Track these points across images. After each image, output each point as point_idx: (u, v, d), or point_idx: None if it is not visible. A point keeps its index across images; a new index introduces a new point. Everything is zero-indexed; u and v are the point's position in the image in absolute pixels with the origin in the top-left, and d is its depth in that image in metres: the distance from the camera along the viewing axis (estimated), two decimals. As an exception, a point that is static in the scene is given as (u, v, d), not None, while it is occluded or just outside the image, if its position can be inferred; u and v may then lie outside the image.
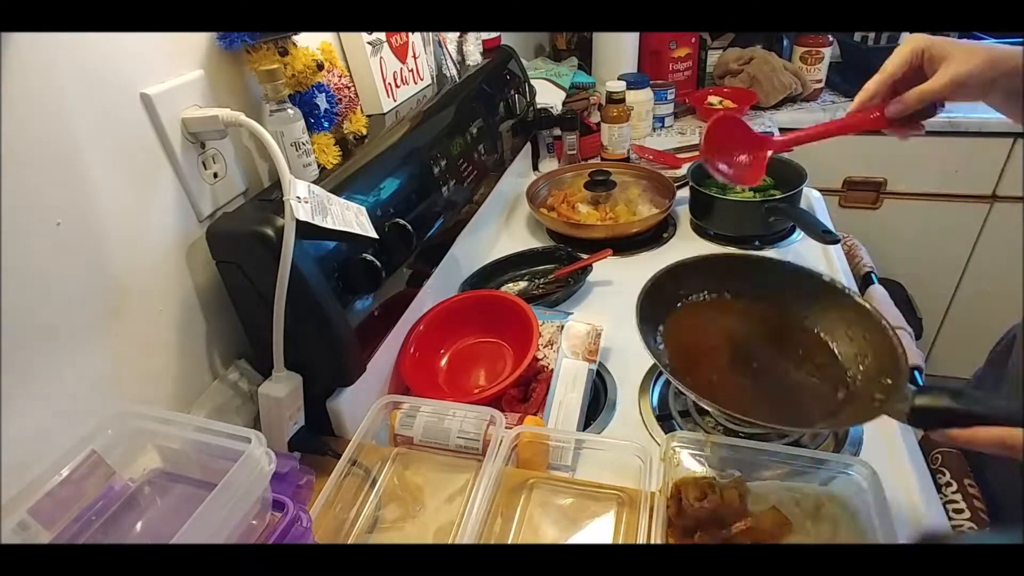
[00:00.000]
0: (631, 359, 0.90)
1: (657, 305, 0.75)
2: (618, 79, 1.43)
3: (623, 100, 1.39)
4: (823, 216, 1.25)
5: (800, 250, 1.12)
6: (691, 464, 0.70)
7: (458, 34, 1.16)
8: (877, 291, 0.98)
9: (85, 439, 0.53)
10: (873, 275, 1.15)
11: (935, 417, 0.53)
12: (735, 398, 0.69)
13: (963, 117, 1.51)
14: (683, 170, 1.38)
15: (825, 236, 0.98)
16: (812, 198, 1.29)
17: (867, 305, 0.69)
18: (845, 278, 1.04)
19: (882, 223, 1.72)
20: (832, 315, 0.73)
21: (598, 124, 1.48)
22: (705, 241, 1.20)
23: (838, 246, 1.11)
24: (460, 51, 1.17)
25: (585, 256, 1.09)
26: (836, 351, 0.71)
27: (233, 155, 0.70)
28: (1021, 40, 1.00)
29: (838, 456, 0.67)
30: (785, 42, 1.72)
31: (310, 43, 0.77)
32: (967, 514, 0.68)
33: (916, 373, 0.85)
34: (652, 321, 0.74)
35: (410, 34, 0.99)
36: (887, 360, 0.63)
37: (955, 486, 0.71)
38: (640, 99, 1.49)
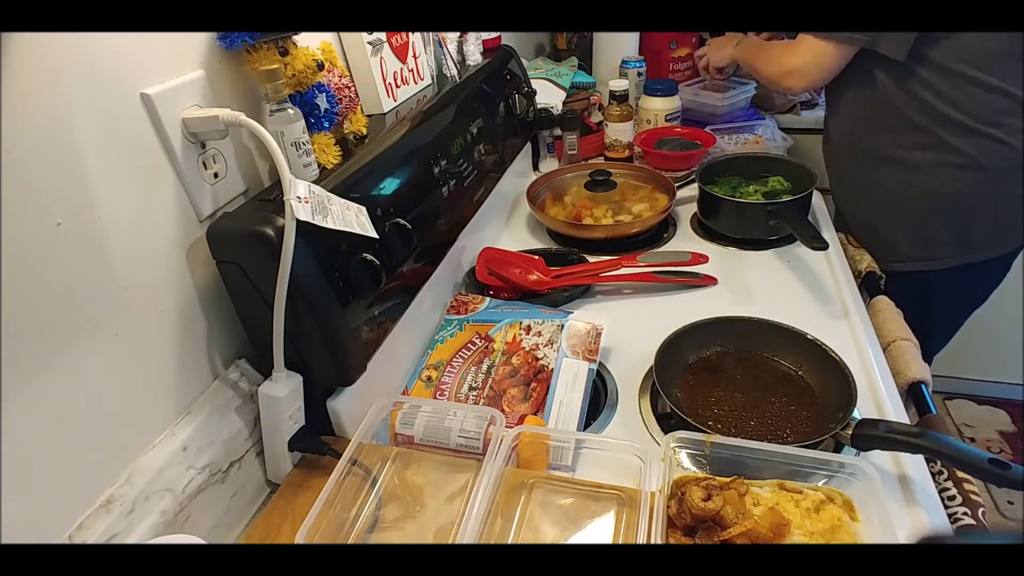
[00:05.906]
0: (631, 359, 0.90)
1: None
2: (647, 92, 1.45)
3: (626, 99, 1.39)
4: (824, 217, 1.25)
5: (800, 253, 1.12)
6: (691, 464, 0.70)
7: (458, 34, 1.16)
8: (882, 301, 0.99)
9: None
10: (880, 282, 1.14)
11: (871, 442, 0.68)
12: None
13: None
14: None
15: (814, 242, 0.98)
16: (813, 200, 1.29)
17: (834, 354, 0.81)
18: (847, 283, 1.04)
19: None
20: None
21: (598, 124, 1.48)
22: (705, 241, 1.19)
23: (841, 253, 1.11)
24: (460, 51, 1.17)
25: (590, 258, 1.12)
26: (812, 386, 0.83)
27: (233, 155, 0.70)
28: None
29: (838, 456, 0.67)
30: (785, 42, 1.72)
31: (310, 43, 0.76)
32: (959, 500, 0.69)
33: (923, 388, 0.85)
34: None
35: (410, 34, 0.99)
36: (844, 395, 0.75)
37: (946, 473, 0.72)
38: (668, 107, 1.44)
